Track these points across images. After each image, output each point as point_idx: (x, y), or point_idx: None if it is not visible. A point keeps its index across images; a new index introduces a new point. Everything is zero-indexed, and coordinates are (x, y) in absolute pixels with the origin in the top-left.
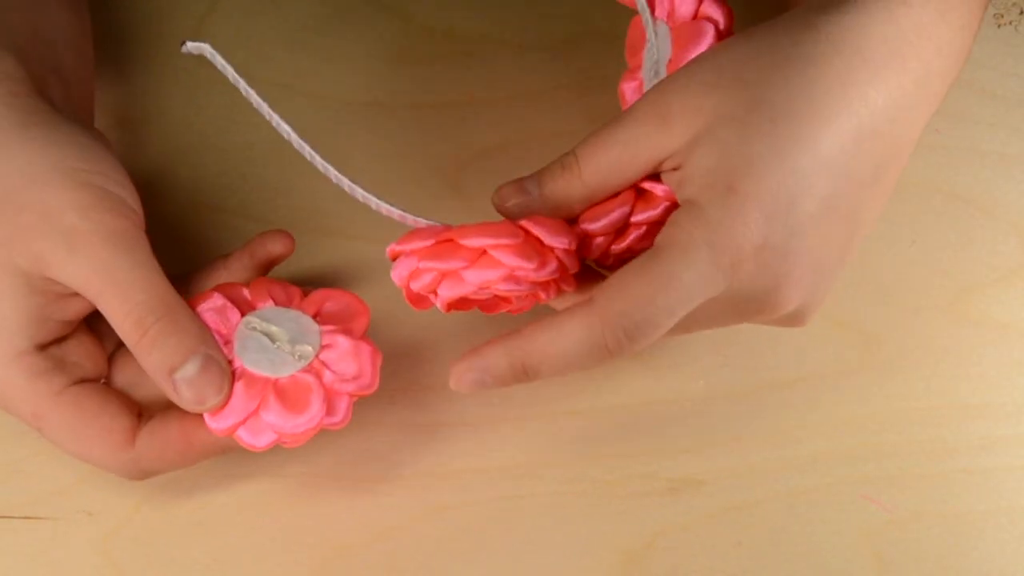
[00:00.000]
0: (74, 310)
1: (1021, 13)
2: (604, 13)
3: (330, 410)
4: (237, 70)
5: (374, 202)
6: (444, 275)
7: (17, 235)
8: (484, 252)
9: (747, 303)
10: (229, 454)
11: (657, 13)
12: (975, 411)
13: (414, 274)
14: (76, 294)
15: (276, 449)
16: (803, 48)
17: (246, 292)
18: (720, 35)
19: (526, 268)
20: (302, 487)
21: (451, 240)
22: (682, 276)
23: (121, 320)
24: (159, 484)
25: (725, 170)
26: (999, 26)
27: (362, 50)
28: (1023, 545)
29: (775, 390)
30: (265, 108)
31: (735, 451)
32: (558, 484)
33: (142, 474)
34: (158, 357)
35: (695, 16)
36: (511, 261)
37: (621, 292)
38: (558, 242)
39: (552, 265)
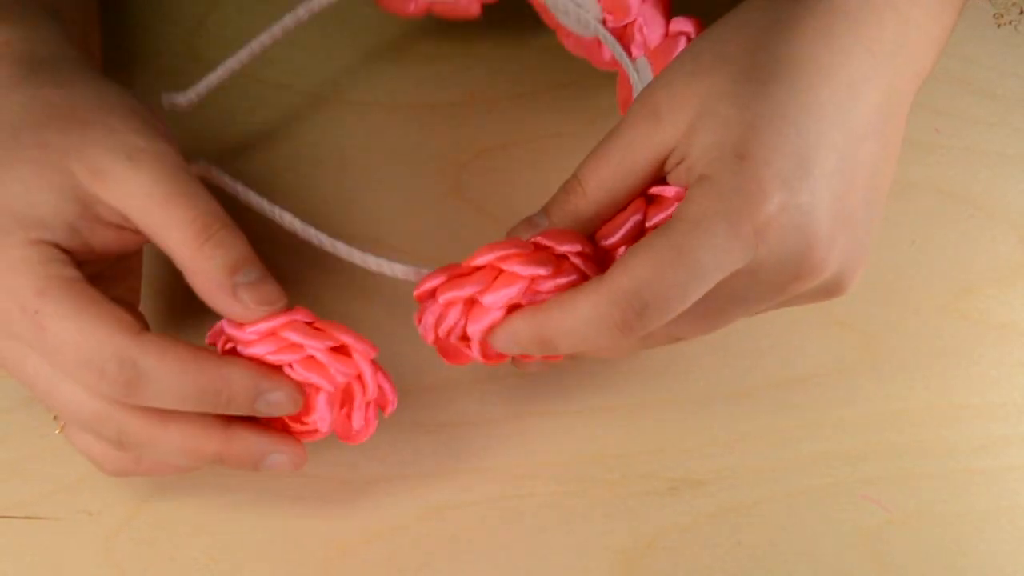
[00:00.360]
0: (100, 240)
1: (1021, 13)
2: None
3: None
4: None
5: (387, 267)
6: (468, 306)
7: (79, 145)
8: (498, 270)
9: (781, 271)
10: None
11: (634, 54)
12: (975, 411)
13: (440, 317)
14: (111, 225)
15: None
16: (776, 15)
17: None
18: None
19: (543, 274)
20: (302, 487)
21: (462, 269)
22: (694, 250)
23: (186, 226)
24: (160, 484)
25: (731, 140)
26: (999, 26)
27: (362, 50)
28: (1023, 545)
29: (775, 390)
30: (267, 207)
31: (735, 451)
32: (558, 484)
33: (134, 377)
34: (222, 259)
35: (665, 36)
36: (526, 270)
37: (628, 269)
38: (569, 247)
39: (570, 272)
